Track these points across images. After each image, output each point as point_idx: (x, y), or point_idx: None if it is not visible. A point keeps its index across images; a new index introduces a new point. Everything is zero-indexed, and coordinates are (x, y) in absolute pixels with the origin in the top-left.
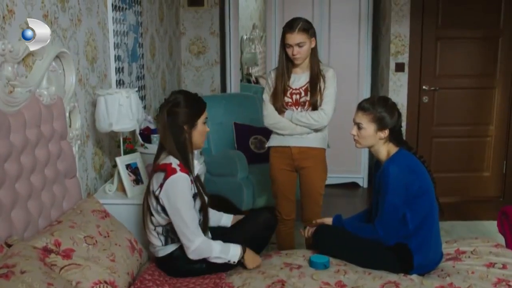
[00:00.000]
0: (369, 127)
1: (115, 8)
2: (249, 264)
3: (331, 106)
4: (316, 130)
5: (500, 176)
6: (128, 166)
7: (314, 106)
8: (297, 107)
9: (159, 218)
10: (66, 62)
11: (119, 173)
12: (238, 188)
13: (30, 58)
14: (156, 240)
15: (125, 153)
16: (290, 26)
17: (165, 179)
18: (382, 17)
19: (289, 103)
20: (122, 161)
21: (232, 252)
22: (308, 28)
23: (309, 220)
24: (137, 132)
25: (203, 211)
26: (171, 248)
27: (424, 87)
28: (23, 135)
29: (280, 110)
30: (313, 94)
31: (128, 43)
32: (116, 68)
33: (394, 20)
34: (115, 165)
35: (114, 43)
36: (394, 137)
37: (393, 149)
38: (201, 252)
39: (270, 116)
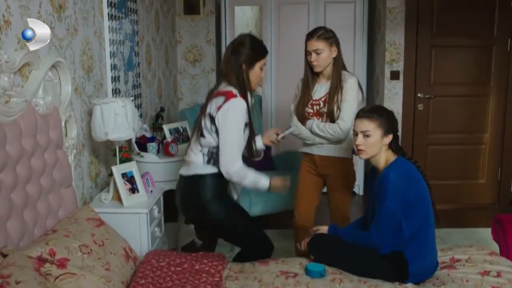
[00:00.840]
0: (376, 134)
1: (111, 17)
2: (273, 190)
3: (348, 120)
4: (337, 141)
5: (495, 183)
6: (124, 175)
7: (331, 117)
8: (318, 117)
9: (210, 139)
10: (62, 72)
11: (115, 182)
12: None
13: (26, 68)
14: (199, 158)
15: (121, 162)
16: (310, 34)
17: (225, 101)
18: (377, 25)
19: (311, 113)
20: (118, 170)
21: (263, 182)
22: (328, 37)
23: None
24: (133, 140)
25: (249, 141)
26: (209, 169)
27: (419, 94)
28: (19, 145)
29: (301, 119)
30: (330, 104)
31: (124, 52)
32: (112, 77)
33: (389, 28)
34: (111, 174)
35: (110, 52)
36: (395, 142)
37: (391, 156)
38: (237, 176)
39: (293, 127)
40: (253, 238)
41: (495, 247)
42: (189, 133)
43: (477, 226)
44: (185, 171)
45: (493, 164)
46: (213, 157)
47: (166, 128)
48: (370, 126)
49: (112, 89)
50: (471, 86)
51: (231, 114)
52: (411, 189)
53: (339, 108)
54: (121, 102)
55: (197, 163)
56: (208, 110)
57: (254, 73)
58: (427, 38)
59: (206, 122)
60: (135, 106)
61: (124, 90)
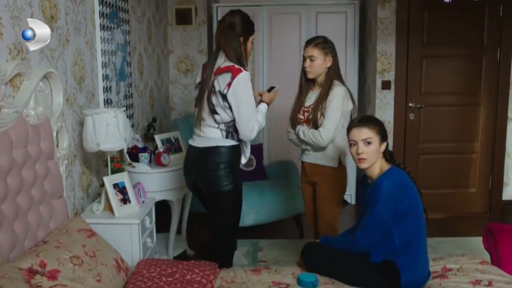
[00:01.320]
0: (375, 141)
1: (103, 27)
2: (271, 103)
3: (329, 128)
4: (323, 148)
5: (486, 192)
6: (115, 186)
7: (315, 124)
8: (307, 124)
9: (224, 116)
10: (54, 82)
11: (106, 193)
12: None
13: (18, 79)
14: (217, 134)
15: (113, 172)
16: (309, 40)
17: (233, 78)
18: (368, 35)
19: (302, 120)
20: (109, 180)
21: (264, 110)
22: (324, 47)
23: (320, 234)
24: (125, 151)
25: None
26: (229, 142)
27: (410, 104)
28: (9, 155)
29: (293, 125)
30: (314, 111)
31: (116, 62)
32: (104, 87)
33: (380, 38)
34: (102, 185)
35: (102, 62)
36: (387, 151)
37: (385, 165)
38: (258, 131)
39: (289, 133)
40: (234, 227)
41: (487, 256)
42: (181, 143)
43: (469, 235)
44: (200, 143)
45: (484, 173)
46: (231, 131)
47: (158, 138)
48: (370, 133)
49: (104, 99)
50: (462, 95)
51: (241, 89)
52: (404, 199)
53: (323, 115)
54: (113, 113)
55: (216, 138)
56: (217, 88)
57: (248, 46)
58: (417, 48)
59: (218, 100)
60: (127, 116)
61: (116, 100)
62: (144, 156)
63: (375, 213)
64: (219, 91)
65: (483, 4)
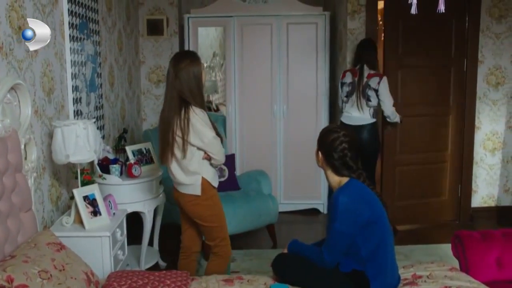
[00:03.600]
0: (316, 146)
1: (72, 38)
2: None
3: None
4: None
5: (455, 200)
6: (85, 198)
7: None
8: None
9: (374, 102)
10: (22, 94)
11: (76, 205)
12: None
13: None
14: (367, 115)
15: (83, 184)
16: None
17: (380, 79)
18: (338, 46)
19: None
20: (79, 192)
21: None
22: None
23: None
24: (95, 163)
25: None
26: (372, 120)
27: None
28: None
29: None
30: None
31: (86, 73)
32: (73, 98)
33: (350, 49)
34: (72, 197)
35: (72, 73)
36: (333, 166)
37: (344, 179)
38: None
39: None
40: None
41: (456, 263)
42: (153, 154)
43: (439, 242)
44: (357, 122)
45: (454, 181)
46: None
47: (129, 149)
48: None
49: (74, 111)
50: (432, 105)
51: (385, 85)
52: (364, 211)
53: None
54: (83, 124)
55: (366, 118)
56: (372, 86)
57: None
58: (387, 59)
59: (372, 93)
60: (98, 127)
61: (86, 112)
62: (115, 168)
63: (336, 228)
64: (373, 88)
65: (450, 17)
